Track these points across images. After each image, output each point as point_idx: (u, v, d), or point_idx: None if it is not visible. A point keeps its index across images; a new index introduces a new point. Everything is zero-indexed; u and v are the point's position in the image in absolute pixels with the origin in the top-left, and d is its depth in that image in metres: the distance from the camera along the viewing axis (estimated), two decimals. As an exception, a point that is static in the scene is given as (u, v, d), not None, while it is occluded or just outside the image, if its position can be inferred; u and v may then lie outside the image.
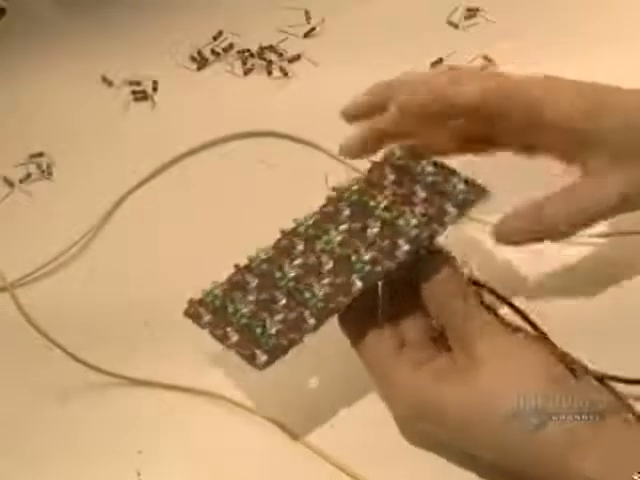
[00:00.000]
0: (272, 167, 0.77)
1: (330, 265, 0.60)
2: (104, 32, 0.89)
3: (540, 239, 0.62)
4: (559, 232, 0.62)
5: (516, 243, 0.63)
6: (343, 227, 0.61)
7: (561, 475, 0.53)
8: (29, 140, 0.82)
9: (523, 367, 0.56)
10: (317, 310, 0.59)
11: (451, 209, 0.60)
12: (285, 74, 0.84)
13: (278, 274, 0.61)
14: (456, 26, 0.85)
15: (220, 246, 0.71)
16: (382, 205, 0.62)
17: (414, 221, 0.60)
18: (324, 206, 0.64)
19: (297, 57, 0.85)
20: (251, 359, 0.59)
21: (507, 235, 0.63)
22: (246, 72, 0.85)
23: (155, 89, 0.85)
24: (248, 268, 0.62)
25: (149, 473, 0.62)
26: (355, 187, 0.63)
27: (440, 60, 0.82)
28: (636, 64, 0.75)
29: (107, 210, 0.76)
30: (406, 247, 0.59)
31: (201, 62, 0.86)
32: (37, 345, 0.66)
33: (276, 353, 0.58)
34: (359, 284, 0.59)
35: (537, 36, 0.81)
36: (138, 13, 0.90)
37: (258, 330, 0.59)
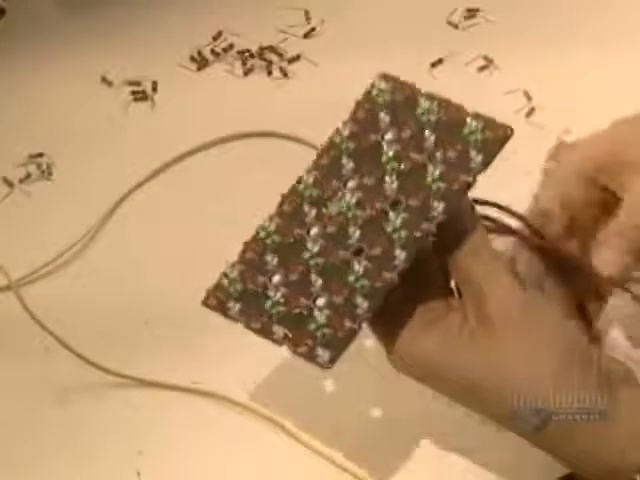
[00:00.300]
0: (272, 167, 0.77)
1: (357, 234, 0.55)
2: (104, 32, 0.89)
3: None
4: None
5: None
6: (352, 184, 0.56)
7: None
8: (29, 140, 0.82)
9: (537, 342, 0.54)
10: (366, 290, 0.54)
11: (475, 154, 0.55)
12: (285, 74, 0.84)
13: (299, 249, 0.56)
14: (456, 26, 0.85)
15: (220, 246, 0.70)
16: (390, 154, 0.56)
17: (437, 172, 0.55)
18: (319, 158, 0.58)
19: (297, 57, 0.85)
20: (311, 357, 0.54)
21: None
22: (246, 72, 0.85)
23: (155, 89, 0.85)
24: (258, 243, 0.57)
25: (149, 473, 0.62)
26: (346, 133, 0.57)
27: (440, 60, 0.82)
28: (636, 64, 0.76)
29: (107, 210, 0.76)
30: (441, 205, 0.54)
31: (201, 62, 0.86)
32: (36, 344, 0.66)
33: (338, 347, 0.54)
34: (402, 255, 0.54)
35: (537, 36, 0.81)
36: (138, 13, 0.90)
37: (306, 320, 0.54)
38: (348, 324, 0.54)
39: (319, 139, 0.75)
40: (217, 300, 0.56)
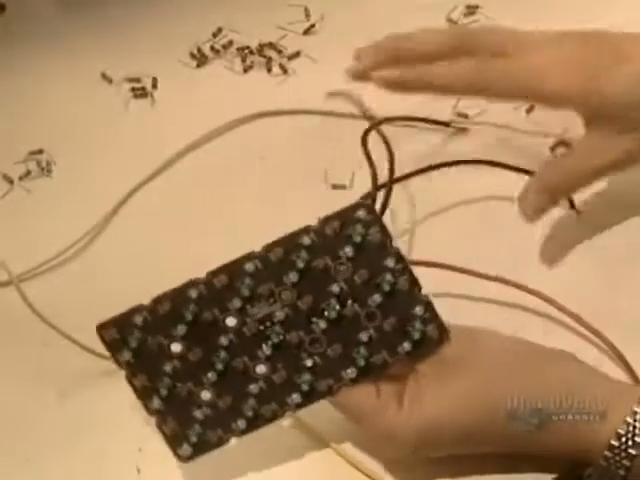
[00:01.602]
0: (272, 163, 0.77)
1: (268, 352, 0.55)
2: (104, 29, 0.89)
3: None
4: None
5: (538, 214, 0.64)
6: (286, 298, 0.55)
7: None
8: (29, 137, 0.82)
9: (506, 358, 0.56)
10: (248, 414, 0.55)
11: (407, 343, 0.55)
12: (285, 71, 0.84)
13: (210, 332, 0.55)
14: (456, 23, 0.85)
15: (222, 241, 0.71)
16: (335, 289, 0.55)
17: (366, 336, 0.55)
18: (270, 247, 0.55)
19: (297, 54, 0.85)
20: (172, 443, 0.56)
21: (526, 211, 0.64)
22: (246, 69, 0.85)
23: (155, 86, 0.85)
24: (178, 299, 0.55)
25: (149, 470, 0.62)
26: (307, 241, 0.55)
27: (440, 57, 0.82)
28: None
29: (109, 207, 0.76)
30: (354, 373, 0.55)
31: (201, 59, 0.86)
32: (35, 339, 0.67)
33: (201, 449, 0.56)
34: (297, 399, 0.55)
35: (536, 33, 0.81)
36: (138, 10, 0.90)
37: (184, 405, 0.55)
38: (219, 433, 0.55)
39: (320, 135, 0.77)
40: (112, 337, 0.56)
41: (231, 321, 0.55)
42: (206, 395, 0.55)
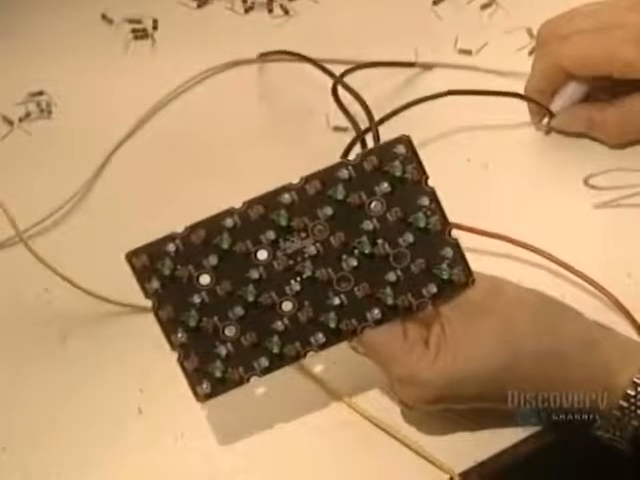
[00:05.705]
0: (274, 105, 0.77)
1: (297, 288, 0.55)
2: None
3: None
4: None
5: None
6: (319, 234, 0.55)
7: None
8: (29, 79, 0.81)
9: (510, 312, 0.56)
10: (271, 352, 0.55)
11: (433, 286, 0.55)
12: (286, 12, 0.84)
13: (240, 266, 0.55)
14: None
15: (224, 183, 0.71)
16: (369, 227, 0.55)
17: (393, 277, 0.55)
18: (308, 180, 0.55)
19: (298, -6, 0.85)
20: (193, 380, 0.55)
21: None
22: (247, 10, 0.85)
23: (155, 27, 0.84)
24: (211, 228, 0.54)
25: (150, 410, 0.62)
26: (344, 175, 0.55)
27: (442, -6, 0.82)
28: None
29: (109, 149, 0.75)
30: (378, 314, 0.55)
31: (201, -1, 0.86)
32: (36, 286, 0.67)
33: (220, 389, 0.55)
34: (321, 339, 0.55)
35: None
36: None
37: (208, 341, 0.55)
38: (240, 372, 0.55)
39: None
40: (142, 264, 0.54)
41: (262, 254, 0.55)
42: (231, 331, 0.55)
